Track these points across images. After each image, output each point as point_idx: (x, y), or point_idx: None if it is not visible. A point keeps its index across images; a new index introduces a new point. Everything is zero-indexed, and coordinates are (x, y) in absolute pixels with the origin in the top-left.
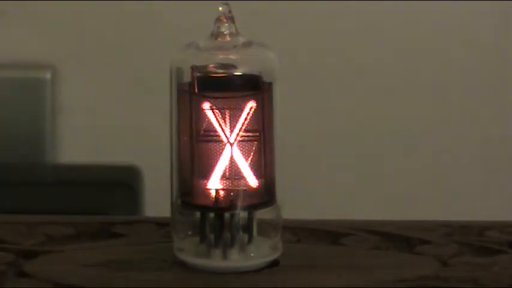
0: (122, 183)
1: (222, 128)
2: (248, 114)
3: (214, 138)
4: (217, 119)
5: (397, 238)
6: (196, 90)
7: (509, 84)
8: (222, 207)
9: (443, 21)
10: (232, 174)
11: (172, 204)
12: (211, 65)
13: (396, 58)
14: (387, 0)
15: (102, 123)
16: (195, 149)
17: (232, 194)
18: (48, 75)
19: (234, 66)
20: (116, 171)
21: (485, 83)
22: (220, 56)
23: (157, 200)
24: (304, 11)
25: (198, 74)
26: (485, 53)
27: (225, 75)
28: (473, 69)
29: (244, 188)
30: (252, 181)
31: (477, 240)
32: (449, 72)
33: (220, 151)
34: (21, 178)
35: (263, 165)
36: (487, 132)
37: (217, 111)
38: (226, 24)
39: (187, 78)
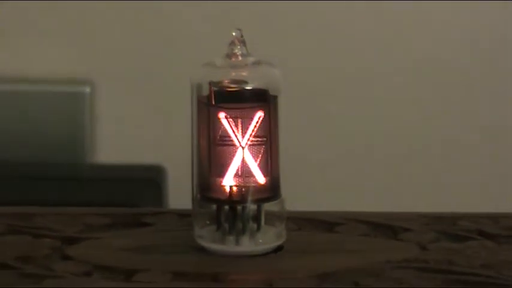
0: (150, 180)
1: (235, 134)
2: (257, 122)
3: (229, 142)
4: (231, 127)
5: (384, 227)
6: (213, 102)
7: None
8: (235, 200)
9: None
10: (244, 173)
11: (193, 198)
12: (226, 81)
13: (383, 65)
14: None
15: (133, 130)
16: (212, 151)
17: (243, 189)
18: (87, 90)
19: (245, 82)
20: (145, 170)
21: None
22: (234, 73)
23: (179, 194)
24: (305, 33)
25: (215, 88)
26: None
27: (238, 89)
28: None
29: (254, 184)
30: (260, 179)
31: (451, 228)
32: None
33: (234, 153)
34: (65, 175)
35: (269, 165)
36: (455, 131)
37: (231, 119)
38: (239, 47)
39: (205, 92)
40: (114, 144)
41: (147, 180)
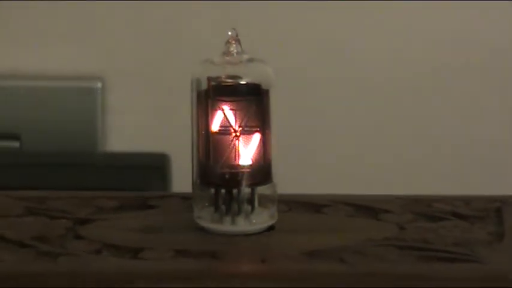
0: (155, 167)
1: (230, 125)
2: (251, 113)
3: (225, 132)
4: (227, 117)
5: (366, 208)
6: (211, 96)
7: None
8: (231, 185)
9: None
10: (239, 159)
11: (193, 182)
12: (222, 76)
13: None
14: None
15: (140, 121)
16: (210, 140)
17: (238, 174)
18: (99, 85)
19: (240, 77)
20: (151, 158)
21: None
22: (230, 69)
23: (182, 179)
24: (294, 32)
25: (213, 83)
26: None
27: (233, 83)
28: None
29: (248, 170)
30: (254, 165)
31: (427, 210)
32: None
33: (230, 142)
34: (79, 163)
35: (262, 152)
36: (430, 122)
37: (227, 111)
38: (234, 45)
39: (204, 86)
40: (123, 134)
41: (153, 167)
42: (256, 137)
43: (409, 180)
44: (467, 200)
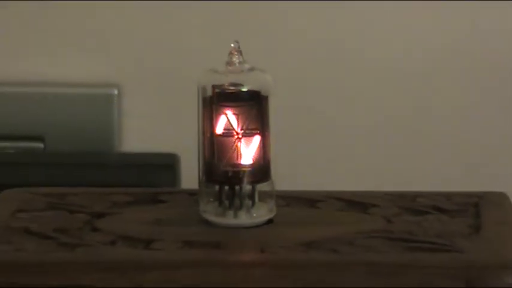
0: (166, 165)
1: (233, 128)
2: (251, 117)
3: (228, 134)
4: (230, 121)
5: (356, 203)
6: (215, 102)
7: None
8: (233, 182)
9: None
10: (241, 159)
11: (199, 180)
12: (226, 84)
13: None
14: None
15: (152, 124)
16: (215, 142)
17: (240, 172)
18: (115, 91)
19: (242, 85)
20: (162, 158)
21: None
22: (232, 78)
23: (189, 177)
24: (295, 42)
25: (217, 90)
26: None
27: (236, 91)
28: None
29: (249, 168)
30: (254, 164)
31: (411, 204)
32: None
33: (232, 143)
34: (97, 162)
35: (262, 152)
36: (416, 121)
37: (230, 116)
38: (236, 56)
39: (209, 93)
40: (137, 136)
41: (164, 166)
42: (257, 139)
43: (395, 178)
44: (448, 196)
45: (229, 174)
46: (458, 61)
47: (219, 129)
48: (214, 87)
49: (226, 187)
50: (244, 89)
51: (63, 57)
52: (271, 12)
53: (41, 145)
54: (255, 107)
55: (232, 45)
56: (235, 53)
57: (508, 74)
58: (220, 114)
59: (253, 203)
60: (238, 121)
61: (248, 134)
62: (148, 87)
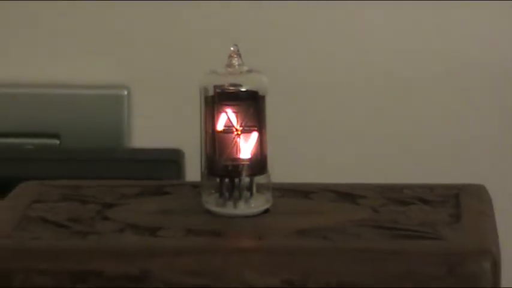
0: (171, 160)
1: (233, 125)
2: (249, 115)
3: (228, 131)
4: (230, 119)
5: (346, 195)
6: (216, 101)
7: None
8: (233, 175)
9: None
10: (240, 154)
11: (201, 173)
12: (226, 85)
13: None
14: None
15: (159, 122)
16: (216, 138)
17: (239, 166)
18: (125, 92)
19: (241, 85)
20: (168, 153)
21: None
22: (232, 79)
23: (192, 170)
24: (289, 43)
25: (218, 90)
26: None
27: (235, 91)
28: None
29: (247, 162)
30: (252, 158)
31: (397, 196)
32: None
33: (232, 139)
34: (107, 157)
35: (259, 148)
36: (404, 119)
37: (230, 114)
38: (236, 59)
39: (211, 93)
40: (145, 133)
41: (169, 160)
42: (254, 135)
43: (382, 171)
44: (431, 188)
45: (229, 167)
46: (432, 58)
47: (220, 126)
48: (215, 87)
49: (227, 180)
50: (243, 89)
51: (77, 62)
52: (268, 17)
53: (57, 141)
54: (252, 105)
55: (231, 48)
56: (235, 55)
57: (485, 71)
58: (220, 113)
59: (251, 194)
60: (237, 119)
61: (246, 130)
62: (155, 88)
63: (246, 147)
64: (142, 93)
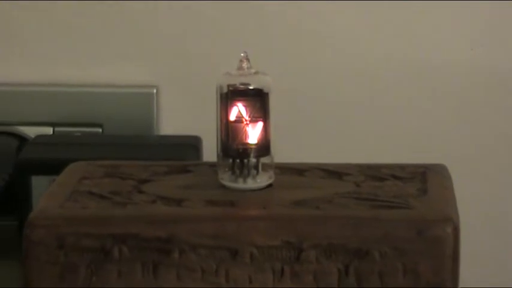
0: (192, 145)
1: (243, 116)
2: (256, 109)
3: (239, 121)
4: (240, 112)
5: (333, 172)
6: (229, 97)
7: None
8: (243, 156)
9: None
10: (248, 139)
11: (217, 155)
12: (237, 84)
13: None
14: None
15: (182, 114)
16: (229, 127)
17: (248, 149)
18: (154, 91)
19: (249, 84)
20: (189, 139)
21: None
22: (242, 79)
23: (210, 153)
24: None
25: (231, 88)
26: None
27: (244, 89)
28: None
29: (254, 146)
30: (258, 143)
31: (375, 173)
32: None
33: (242, 128)
34: (141, 142)
35: (264, 134)
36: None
37: (240, 107)
38: (245, 63)
39: (225, 90)
40: (171, 123)
41: (191, 145)
42: (260, 124)
43: (362, 154)
44: (402, 167)
45: (240, 150)
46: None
47: (232, 117)
48: (228, 86)
49: (238, 160)
50: (251, 88)
51: (116, 66)
52: (273, 25)
53: (100, 130)
54: (259, 101)
55: (242, 54)
56: (244, 60)
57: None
58: (233, 106)
59: (258, 172)
60: (246, 111)
61: (254, 120)
62: (179, 87)
63: (254, 134)
64: (168, 92)
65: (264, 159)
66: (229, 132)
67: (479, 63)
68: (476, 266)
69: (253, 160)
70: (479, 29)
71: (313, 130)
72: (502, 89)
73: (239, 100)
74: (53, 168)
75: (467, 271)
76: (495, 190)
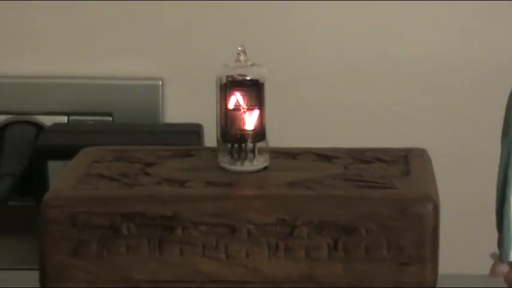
0: (194, 131)
1: (240, 104)
2: (253, 98)
3: (237, 109)
4: (238, 100)
5: (324, 156)
6: (228, 87)
7: None
8: (241, 141)
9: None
10: (245, 125)
11: (217, 140)
12: (235, 75)
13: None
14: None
15: (185, 104)
16: (228, 114)
17: (245, 135)
18: (159, 83)
19: (246, 75)
20: (192, 126)
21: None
22: (239, 71)
23: (211, 139)
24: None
25: (229, 79)
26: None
27: (242, 79)
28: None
29: (251, 132)
30: (255, 129)
31: (362, 156)
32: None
33: (240, 115)
34: (147, 129)
35: (260, 121)
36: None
37: (238, 96)
38: (242, 55)
39: (224, 81)
40: (175, 112)
41: (192, 131)
42: (256, 112)
43: (350, 139)
44: (386, 151)
45: (238, 136)
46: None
47: (231, 105)
48: (227, 77)
49: (236, 145)
50: (248, 78)
51: (124, 59)
52: (269, 22)
53: (110, 118)
54: (255, 90)
55: (239, 48)
56: (242, 53)
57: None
58: (231, 95)
59: (254, 156)
60: (244, 100)
61: (250, 108)
62: (182, 79)
63: (250, 121)
64: (173, 83)
65: (260, 144)
66: (228, 120)
67: (455, 55)
68: (455, 242)
69: (250, 145)
70: (460, 24)
71: (305, 117)
72: (475, 78)
73: (237, 90)
74: (67, 153)
75: (446, 247)
76: (472, 170)
